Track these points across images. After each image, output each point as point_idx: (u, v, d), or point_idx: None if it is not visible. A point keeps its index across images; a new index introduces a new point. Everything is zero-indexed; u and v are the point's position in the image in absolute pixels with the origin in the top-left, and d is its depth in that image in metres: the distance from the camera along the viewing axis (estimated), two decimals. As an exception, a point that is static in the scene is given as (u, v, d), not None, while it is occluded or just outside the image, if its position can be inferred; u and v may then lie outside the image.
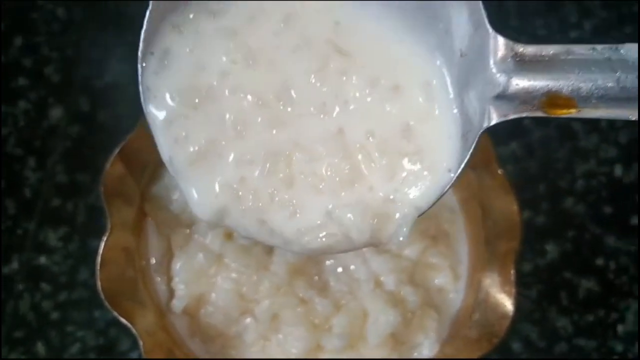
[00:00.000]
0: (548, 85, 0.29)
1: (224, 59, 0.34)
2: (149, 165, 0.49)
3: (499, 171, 0.48)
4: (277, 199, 0.34)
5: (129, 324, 0.42)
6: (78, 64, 0.61)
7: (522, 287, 0.58)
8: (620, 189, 0.60)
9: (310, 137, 0.34)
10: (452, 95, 0.33)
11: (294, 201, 0.34)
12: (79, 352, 0.55)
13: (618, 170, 0.61)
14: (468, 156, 0.32)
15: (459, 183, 0.52)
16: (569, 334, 0.58)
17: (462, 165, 0.33)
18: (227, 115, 0.34)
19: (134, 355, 0.54)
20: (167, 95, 0.34)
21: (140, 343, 0.42)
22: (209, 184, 0.34)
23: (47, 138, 0.60)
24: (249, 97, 0.34)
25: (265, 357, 0.47)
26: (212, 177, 0.34)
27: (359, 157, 0.34)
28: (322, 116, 0.34)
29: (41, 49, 0.61)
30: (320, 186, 0.34)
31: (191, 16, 0.34)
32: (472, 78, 0.32)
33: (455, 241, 0.51)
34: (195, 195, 0.34)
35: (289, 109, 0.34)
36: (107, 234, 0.44)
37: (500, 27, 0.61)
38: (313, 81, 0.34)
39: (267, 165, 0.34)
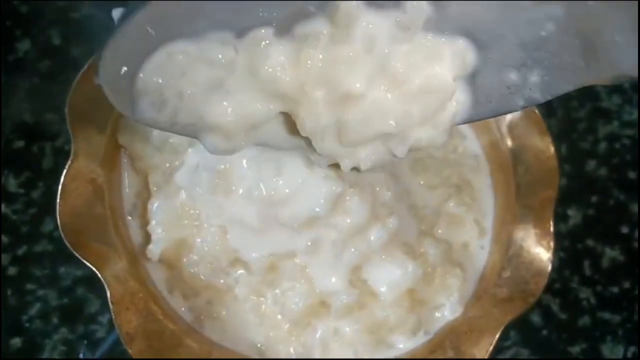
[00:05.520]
0: None
1: None
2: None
3: (536, 111, 0.42)
4: None
5: (94, 268, 0.34)
6: (51, -6, 0.55)
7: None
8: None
9: None
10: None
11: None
12: (39, 314, 0.47)
13: (643, 134, 0.56)
14: None
15: (483, 124, 0.45)
16: (592, 306, 0.52)
17: None
18: None
19: (104, 318, 0.47)
20: None
21: (108, 292, 0.35)
22: None
23: (12, 73, 0.53)
24: None
25: (259, 314, 0.39)
26: None
27: None
28: None
29: (8, -25, 0.55)
30: None
31: None
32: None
33: (480, 191, 0.44)
34: None
35: None
36: (70, 159, 0.36)
37: None
38: None
39: None
